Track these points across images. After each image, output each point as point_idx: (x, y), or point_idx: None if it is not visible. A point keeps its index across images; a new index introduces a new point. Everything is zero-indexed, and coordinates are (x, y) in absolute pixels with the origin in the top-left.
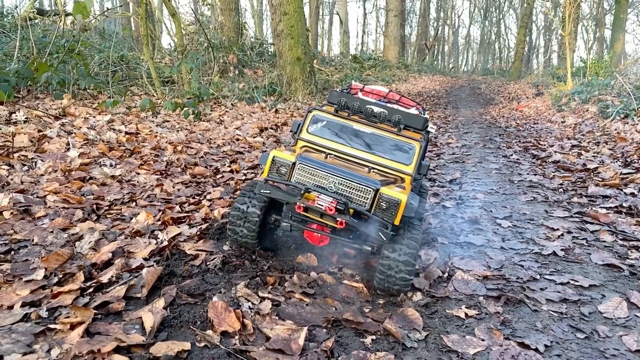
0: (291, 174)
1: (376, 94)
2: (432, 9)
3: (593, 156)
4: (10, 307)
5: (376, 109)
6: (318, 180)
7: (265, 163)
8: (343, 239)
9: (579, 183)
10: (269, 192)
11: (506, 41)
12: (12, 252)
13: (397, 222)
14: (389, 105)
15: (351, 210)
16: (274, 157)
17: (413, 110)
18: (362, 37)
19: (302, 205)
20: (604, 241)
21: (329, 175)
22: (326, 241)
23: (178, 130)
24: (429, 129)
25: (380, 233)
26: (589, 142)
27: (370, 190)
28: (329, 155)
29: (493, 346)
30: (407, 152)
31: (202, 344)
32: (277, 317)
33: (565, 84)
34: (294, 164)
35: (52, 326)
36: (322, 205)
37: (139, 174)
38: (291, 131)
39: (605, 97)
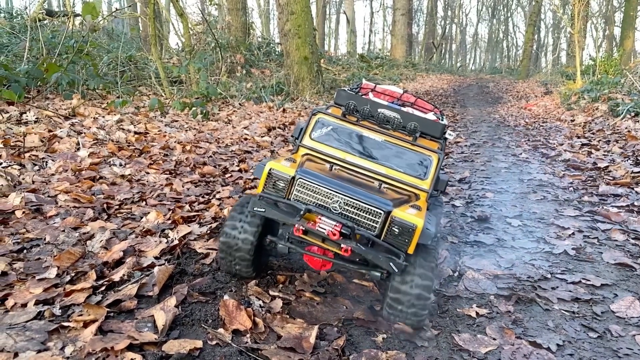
0: (290, 189)
1: (389, 95)
2: (439, 8)
3: (603, 155)
4: (24, 305)
5: (389, 114)
6: (321, 199)
7: (260, 176)
8: (348, 264)
9: (589, 182)
10: (263, 210)
11: (514, 39)
12: (25, 251)
13: (411, 250)
14: (403, 109)
15: (358, 236)
16: (270, 169)
17: (430, 115)
18: (369, 36)
19: (301, 228)
20: (616, 240)
21: (334, 193)
22: (329, 266)
23: (186, 130)
24: (447, 135)
25: (391, 263)
26: (599, 140)
27: (380, 213)
28: (333, 167)
29: (505, 345)
30: (423, 164)
31: (214, 342)
32: (288, 316)
33: (575, 82)
34: (293, 178)
35: (65, 324)
36: (324, 229)
37: (148, 173)
38: (292, 136)
39: (615, 95)
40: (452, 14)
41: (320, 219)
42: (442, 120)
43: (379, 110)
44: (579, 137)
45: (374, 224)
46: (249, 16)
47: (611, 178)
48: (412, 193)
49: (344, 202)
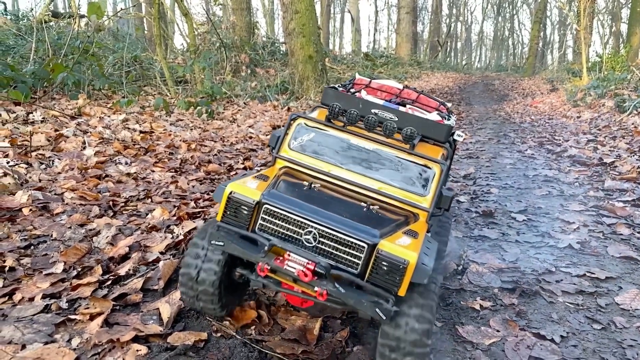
0: (255, 217)
1: (386, 91)
2: (444, 6)
3: (609, 150)
4: (31, 299)
5: (383, 115)
6: (291, 229)
7: (220, 200)
8: (332, 305)
9: (595, 177)
10: (222, 244)
11: (520, 37)
12: (32, 247)
13: (402, 292)
14: (401, 108)
15: (337, 276)
16: (230, 192)
17: (433, 115)
18: (374, 34)
19: (266, 267)
20: (621, 234)
21: (307, 222)
22: (311, 303)
23: (191, 129)
24: (455, 137)
25: (377, 309)
26: (605, 136)
27: (363, 246)
28: (313, 184)
29: (508, 337)
30: (422, 177)
31: (219, 334)
32: (292, 308)
33: (581, 79)
34: (258, 203)
35: (72, 317)
36: (293, 269)
37: (153, 171)
38: (269, 146)
39: (621, 92)
40: (457, 12)
41: (289, 256)
42: (449, 119)
43: (372, 111)
44: (584, 134)
45: (356, 260)
46: (253, 16)
47: (617, 173)
48: (409, 213)
49: (319, 233)
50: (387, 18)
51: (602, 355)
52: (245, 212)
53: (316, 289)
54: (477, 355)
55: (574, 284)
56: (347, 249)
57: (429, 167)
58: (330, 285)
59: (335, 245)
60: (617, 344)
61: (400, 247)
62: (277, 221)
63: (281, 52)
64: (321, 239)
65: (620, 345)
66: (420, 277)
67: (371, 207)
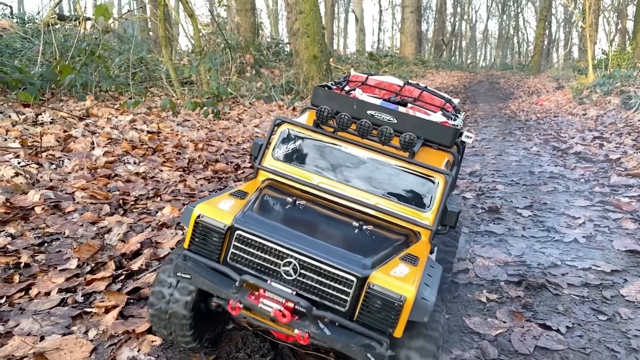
0: (227, 245)
1: (385, 88)
2: (448, 4)
3: (615, 147)
4: (48, 294)
5: (380, 117)
6: (268, 260)
7: (187, 224)
8: (321, 343)
9: (600, 173)
10: (189, 277)
11: (525, 35)
12: (46, 244)
13: (398, 333)
14: (400, 108)
15: (322, 317)
16: (199, 216)
17: (437, 116)
18: (378, 34)
19: (238, 305)
20: (627, 228)
21: (286, 251)
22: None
23: (198, 129)
24: (463, 138)
25: (368, 355)
26: (611, 133)
27: (351, 280)
28: (297, 201)
29: (515, 328)
30: (423, 190)
31: (231, 326)
32: None
33: (587, 76)
34: (229, 229)
35: (88, 310)
36: (269, 308)
37: (162, 170)
38: (251, 155)
39: (628, 89)
40: (461, 11)
41: (264, 293)
42: (455, 120)
43: (368, 112)
44: (590, 130)
45: (344, 296)
46: (257, 17)
47: (623, 169)
48: (409, 232)
49: (300, 264)
50: (391, 17)
51: (607, 345)
52: (216, 239)
53: (296, 331)
54: (484, 345)
55: (580, 276)
56: (332, 283)
57: (432, 178)
58: (313, 327)
59: (319, 278)
60: (622, 334)
61: (396, 279)
62: (251, 250)
63: (286, 52)
64: (302, 271)
65: (625, 335)
66: (419, 314)
67: (364, 227)
